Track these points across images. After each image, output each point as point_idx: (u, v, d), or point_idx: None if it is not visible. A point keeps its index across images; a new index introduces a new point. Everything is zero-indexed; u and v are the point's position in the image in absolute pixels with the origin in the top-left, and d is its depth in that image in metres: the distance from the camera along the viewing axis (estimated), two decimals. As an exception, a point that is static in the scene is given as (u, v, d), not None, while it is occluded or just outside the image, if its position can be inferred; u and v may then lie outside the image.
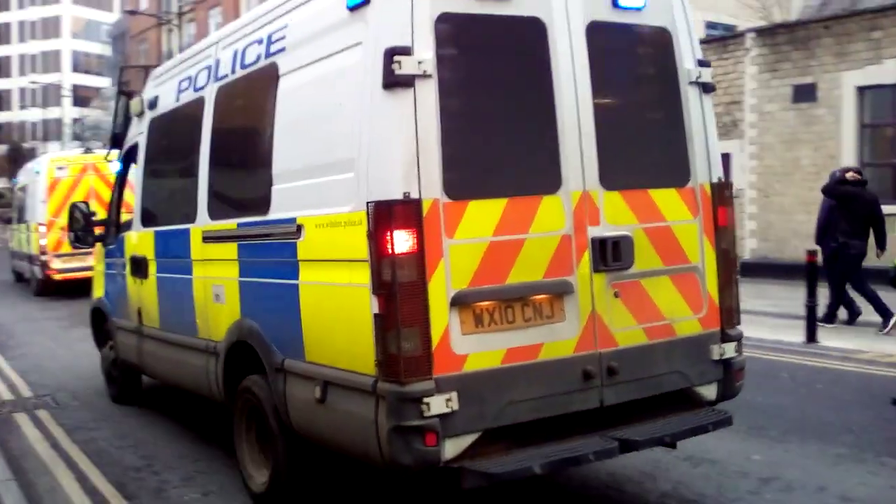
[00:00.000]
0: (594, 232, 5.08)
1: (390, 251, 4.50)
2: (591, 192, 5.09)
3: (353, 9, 4.89)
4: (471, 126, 4.90)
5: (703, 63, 5.65)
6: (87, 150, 20.94)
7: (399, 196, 4.51)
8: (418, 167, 4.55)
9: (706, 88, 5.66)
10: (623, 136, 5.36)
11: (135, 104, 8.70)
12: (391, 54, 4.53)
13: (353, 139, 4.79)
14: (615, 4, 5.30)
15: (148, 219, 8.25)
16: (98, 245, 9.69)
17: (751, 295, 13.07)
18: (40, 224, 19.77)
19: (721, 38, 21.57)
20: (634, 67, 5.69)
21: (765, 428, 7.54)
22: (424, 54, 4.59)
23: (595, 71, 5.16)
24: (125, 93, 9.18)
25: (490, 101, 5.01)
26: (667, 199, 5.43)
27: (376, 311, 4.58)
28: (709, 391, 5.58)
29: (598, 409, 5.05)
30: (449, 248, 4.65)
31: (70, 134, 75.84)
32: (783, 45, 19.54)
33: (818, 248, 12.59)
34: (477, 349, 4.72)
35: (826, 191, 12.77)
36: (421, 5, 4.62)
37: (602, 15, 5.26)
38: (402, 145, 4.55)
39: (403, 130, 4.55)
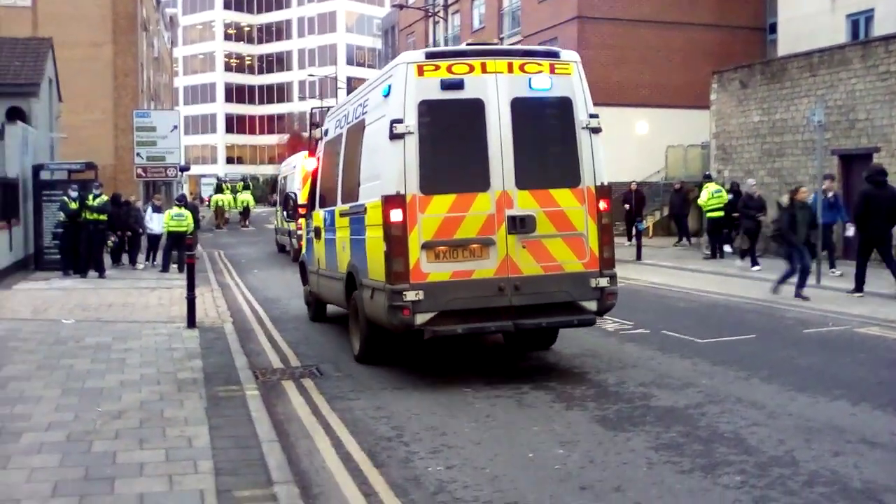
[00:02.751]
0: (509, 212, 9.19)
1: (389, 220, 9.02)
2: (509, 191, 9.23)
3: (384, 97, 9.53)
4: (436, 156, 9.21)
5: (592, 115, 9.58)
6: (397, 121, 24.72)
7: (394, 192, 9.03)
8: (405, 178, 9.02)
9: (594, 131, 9.57)
10: (533, 160, 9.41)
11: (319, 133, 13.96)
12: (392, 122, 9.08)
13: (381, 164, 9.47)
14: (530, 87, 9.41)
15: (321, 203, 12.94)
16: (302, 220, 15.60)
17: None
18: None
19: None
20: (544, 120, 9.65)
21: None
22: (410, 122, 9.07)
23: (515, 123, 9.31)
24: (315, 124, 14.86)
25: (448, 143, 9.37)
26: (562, 195, 9.42)
27: (384, 250, 9.13)
28: (591, 305, 9.52)
29: (509, 307, 9.18)
30: (421, 219, 9.04)
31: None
32: None
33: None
34: (435, 270, 9.07)
35: None
36: (410, 97, 9.11)
37: (522, 93, 9.39)
38: (396, 167, 9.07)
39: (397, 160, 9.07)
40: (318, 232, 13.01)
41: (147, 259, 23.95)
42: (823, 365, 10.21)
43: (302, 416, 8.21)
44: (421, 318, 8.95)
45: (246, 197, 49.70)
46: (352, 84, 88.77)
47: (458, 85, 9.19)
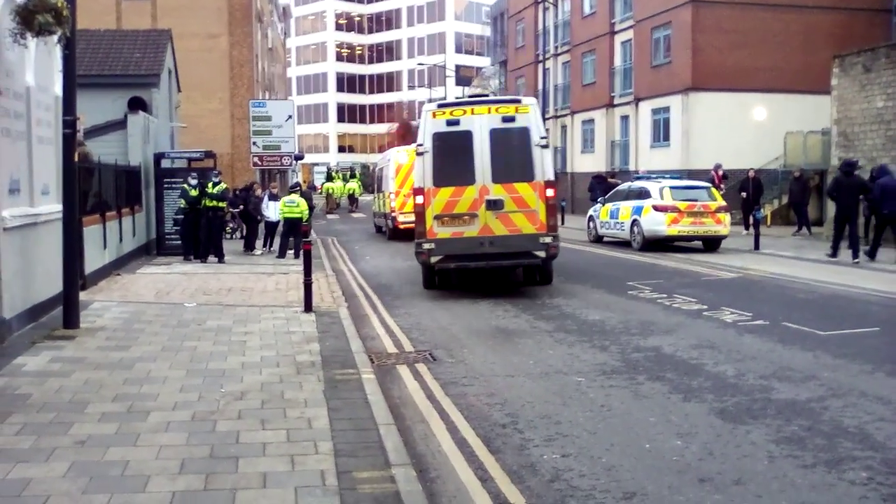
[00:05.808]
0: (487, 197, 15.04)
1: (416, 202, 15.72)
2: (487, 184, 15.07)
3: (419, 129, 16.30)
4: (442, 165, 15.29)
5: (543, 137, 15.36)
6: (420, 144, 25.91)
7: (419, 186, 15.51)
8: (423, 177, 15.39)
9: (544, 147, 15.26)
10: (504, 165, 15.10)
11: (417, 143, 17.60)
12: (418, 145, 15.72)
13: (417, 171, 15.95)
14: (502, 121, 15.23)
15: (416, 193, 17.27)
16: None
17: None
18: (391, 193, 29.13)
19: None
20: (511, 142, 15.19)
21: None
22: (427, 145, 15.41)
23: (492, 144, 15.15)
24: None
25: (450, 156, 15.31)
26: (522, 186, 15.07)
27: (415, 220, 15.88)
28: (541, 254, 15.19)
29: (486, 253, 15.16)
30: (433, 201, 15.22)
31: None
32: None
33: None
34: (442, 232, 15.20)
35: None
36: (427, 130, 15.50)
37: (496, 125, 15.25)
38: (420, 171, 15.59)
39: (420, 167, 15.54)
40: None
41: (264, 245, 24.55)
42: (954, 360, 9.79)
43: (417, 401, 8.32)
44: (433, 259, 15.21)
45: (353, 185, 52.49)
46: (460, 72, 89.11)
47: (457, 123, 15.24)
